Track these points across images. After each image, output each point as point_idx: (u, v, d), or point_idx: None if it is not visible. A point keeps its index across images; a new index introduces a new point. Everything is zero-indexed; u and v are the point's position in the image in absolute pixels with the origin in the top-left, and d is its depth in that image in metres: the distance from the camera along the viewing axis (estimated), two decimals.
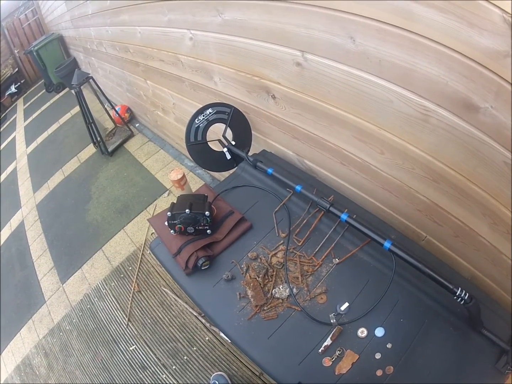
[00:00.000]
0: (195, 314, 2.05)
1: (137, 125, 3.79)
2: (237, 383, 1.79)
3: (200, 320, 2.03)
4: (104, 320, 2.25)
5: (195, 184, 2.82)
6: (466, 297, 0.99)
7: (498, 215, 1.06)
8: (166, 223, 1.27)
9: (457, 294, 0.99)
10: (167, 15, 1.81)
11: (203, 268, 1.23)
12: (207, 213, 1.24)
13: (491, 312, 1.09)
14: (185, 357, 1.94)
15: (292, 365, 1.04)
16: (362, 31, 1.00)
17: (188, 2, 1.59)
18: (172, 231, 1.28)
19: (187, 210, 1.23)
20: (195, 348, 1.95)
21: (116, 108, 3.61)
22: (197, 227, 1.27)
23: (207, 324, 2.01)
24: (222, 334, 1.91)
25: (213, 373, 1.83)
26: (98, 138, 3.44)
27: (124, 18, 2.35)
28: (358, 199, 1.48)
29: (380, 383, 1.00)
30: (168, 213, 1.25)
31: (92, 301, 2.38)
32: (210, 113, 1.50)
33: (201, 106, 1.50)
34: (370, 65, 1.04)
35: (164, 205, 2.83)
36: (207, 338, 1.97)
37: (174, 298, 2.16)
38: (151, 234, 2.62)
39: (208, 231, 1.30)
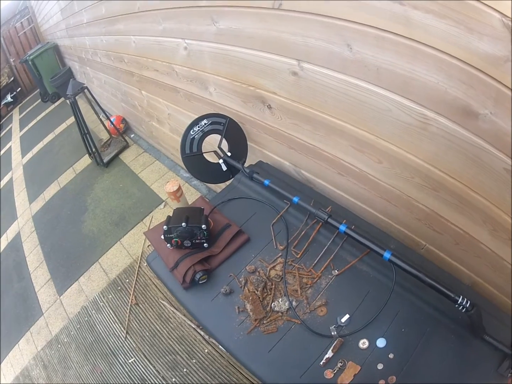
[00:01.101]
0: (193, 326, 2.02)
1: (132, 135, 3.76)
2: None
3: (198, 333, 2.00)
4: (102, 333, 2.21)
5: (191, 195, 2.80)
6: (467, 305, 0.98)
7: (498, 222, 1.04)
8: (162, 237, 1.24)
9: (458, 302, 0.99)
10: (162, 24, 1.79)
11: (200, 282, 1.20)
12: (203, 226, 1.21)
13: (492, 317, 1.08)
14: (185, 370, 1.90)
15: (293, 378, 1.02)
16: (359, 39, 0.98)
17: (183, 10, 1.57)
18: (168, 245, 1.26)
19: (183, 224, 1.20)
20: (194, 361, 1.91)
21: (111, 119, 3.58)
22: (194, 241, 1.24)
23: (206, 337, 1.97)
24: (221, 346, 1.87)
25: None
26: (94, 149, 3.41)
27: (119, 27, 2.33)
28: (356, 209, 1.45)
29: None
30: (164, 226, 1.22)
31: (90, 313, 2.34)
32: (205, 124, 1.48)
33: (196, 117, 1.48)
34: (368, 74, 1.03)
35: (160, 216, 2.80)
36: (206, 350, 1.94)
37: (172, 311, 2.13)
38: (148, 246, 2.59)
39: (205, 244, 1.27)
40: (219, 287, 1.20)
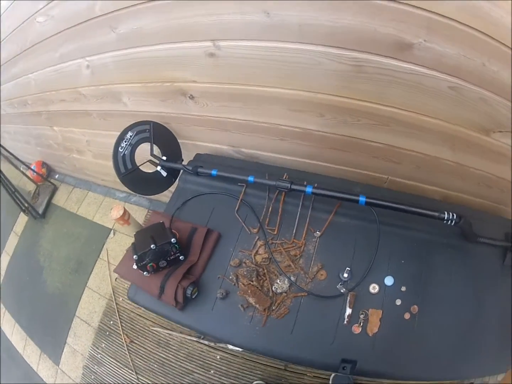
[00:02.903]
0: (194, 339, 1.92)
1: (56, 176, 3.49)
2: (271, 383, 1.73)
3: (202, 343, 1.91)
4: None
5: (135, 212, 2.64)
6: (455, 218, 1.01)
7: (456, 136, 1.09)
8: (134, 267, 1.12)
9: (445, 218, 1.02)
10: (58, 51, 1.58)
11: (193, 297, 1.10)
12: (173, 240, 1.11)
13: (477, 220, 1.12)
14: None
15: (325, 347, 1.00)
16: (276, 2, 0.92)
17: (78, 28, 1.38)
18: (145, 272, 1.13)
19: (152, 246, 1.09)
20: (212, 371, 1.82)
21: (32, 167, 3.28)
22: (168, 258, 1.14)
23: (212, 344, 1.88)
24: (230, 346, 1.80)
25: None
26: (26, 204, 3.12)
27: (14, 71, 2.06)
28: (311, 168, 1.42)
29: (412, 325, 1.02)
30: (134, 256, 1.09)
31: (93, 370, 2.15)
32: (131, 136, 1.35)
33: (119, 133, 1.35)
34: (290, 34, 0.97)
35: (114, 246, 2.63)
36: (218, 357, 1.85)
37: (167, 334, 2.00)
38: (115, 280, 2.42)
39: (180, 257, 1.16)
40: (213, 294, 1.11)
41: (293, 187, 1.15)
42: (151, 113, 1.55)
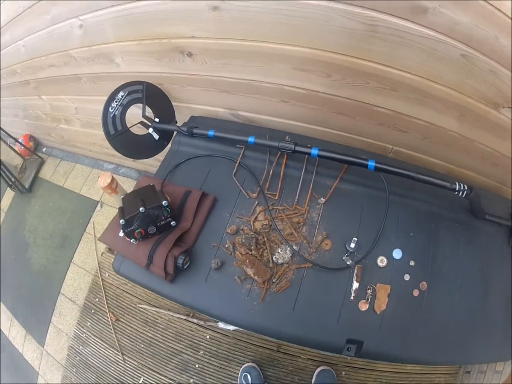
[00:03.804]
0: (183, 317, 1.81)
1: (44, 149, 3.37)
2: (262, 365, 1.62)
3: (191, 321, 1.79)
4: (100, 366, 1.91)
5: (123, 185, 2.47)
6: (466, 189, 0.95)
7: (463, 106, 1.03)
8: (121, 233, 1.00)
9: (456, 189, 0.95)
10: (51, 13, 1.45)
11: (185, 267, 0.98)
12: (164, 202, 0.98)
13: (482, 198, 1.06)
14: (197, 365, 1.70)
15: (331, 325, 0.90)
16: None
17: None
18: (132, 240, 1.01)
19: (141, 209, 0.96)
20: (201, 352, 1.71)
21: (19, 140, 3.18)
22: (158, 224, 1.01)
23: (201, 322, 1.77)
24: (220, 325, 1.69)
25: (232, 368, 1.64)
26: (13, 179, 2.99)
27: (5, 39, 1.91)
28: (313, 133, 1.30)
29: (421, 303, 0.94)
30: (121, 220, 0.96)
31: (78, 351, 2.01)
32: (122, 96, 1.24)
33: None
34: None
35: (102, 219, 2.50)
36: (208, 336, 1.75)
37: (155, 311, 1.88)
38: (101, 254, 2.28)
39: (172, 223, 1.03)
40: (207, 264, 0.99)
41: (297, 148, 1.03)
42: (145, 73, 1.44)
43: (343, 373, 1.59)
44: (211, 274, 0.98)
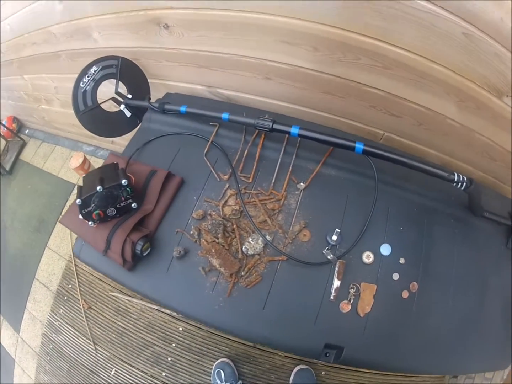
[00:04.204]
0: (155, 308, 1.71)
1: (26, 131, 3.31)
2: (237, 361, 1.53)
3: (164, 312, 1.70)
4: (72, 355, 1.82)
5: None
6: (466, 181, 0.84)
7: (464, 91, 0.94)
8: (80, 216, 0.88)
9: (455, 180, 0.84)
10: None
11: (144, 254, 0.87)
12: (124, 181, 0.86)
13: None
14: (169, 358, 1.60)
15: (307, 328, 0.81)
16: None
17: None
18: (90, 222, 0.90)
19: (98, 188, 0.85)
20: (174, 345, 1.62)
21: (3, 122, 3.10)
22: (118, 205, 0.89)
23: (174, 313, 1.67)
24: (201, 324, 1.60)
25: (205, 363, 1.54)
26: None
27: None
28: (296, 113, 1.20)
29: (411, 306, 0.85)
30: (77, 200, 0.86)
31: (52, 338, 1.92)
32: (95, 71, 1.16)
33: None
34: None
35: None
36: (181, 329, 1.65)
37: (127, 300, 1.78)
38: (76, 239, 2.16)
39: (133, 204, 0.92)
40: (169, 252, 0.88)
41: (276, 126, 0.91)
42: (122, 48, 1.35)
43: (323, 373, 1.49)
44: (173, 263, 0.87)
